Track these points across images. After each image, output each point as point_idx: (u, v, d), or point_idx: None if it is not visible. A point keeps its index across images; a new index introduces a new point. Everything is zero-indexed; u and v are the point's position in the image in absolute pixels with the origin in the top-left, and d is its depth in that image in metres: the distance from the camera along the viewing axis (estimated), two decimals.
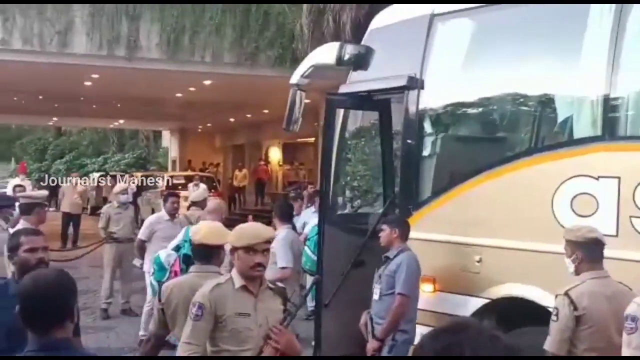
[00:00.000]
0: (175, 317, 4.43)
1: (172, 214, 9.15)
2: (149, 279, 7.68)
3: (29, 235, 4.19)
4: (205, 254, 4.53)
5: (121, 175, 23.95)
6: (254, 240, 3.93)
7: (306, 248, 8.02)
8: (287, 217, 7.90)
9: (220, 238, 4.46)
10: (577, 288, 4.35)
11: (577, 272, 4.47)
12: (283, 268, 7.13)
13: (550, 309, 5.06)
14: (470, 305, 5.64)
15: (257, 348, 3.86)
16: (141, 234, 9.09)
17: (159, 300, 4.54)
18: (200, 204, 9.34)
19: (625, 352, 4.00)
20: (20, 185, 11.80)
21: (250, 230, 4.10)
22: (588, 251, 4.42)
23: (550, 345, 4.39)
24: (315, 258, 7.14)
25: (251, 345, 3.87)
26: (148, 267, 8.58)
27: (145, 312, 8.67)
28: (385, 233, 5.92)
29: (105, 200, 17.38)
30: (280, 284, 4.53)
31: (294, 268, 7.40)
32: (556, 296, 4.40)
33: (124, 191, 11.37)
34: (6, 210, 8.16)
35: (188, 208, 9.82)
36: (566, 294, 4.34)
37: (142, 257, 9.03)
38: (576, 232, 4.50)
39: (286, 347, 3.88)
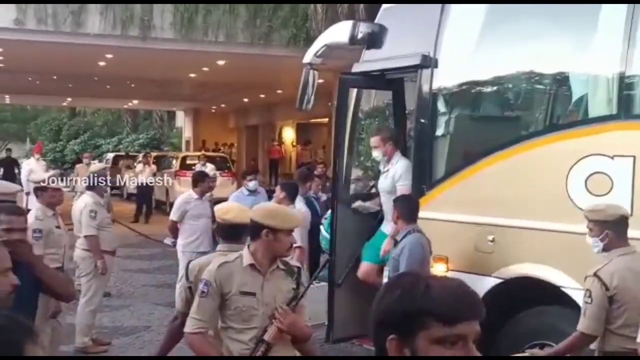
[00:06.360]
0: None
1: (205, 192, 9.20)
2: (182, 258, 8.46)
3: (10, 215, 4.15)
4: (236, 233, 4.52)
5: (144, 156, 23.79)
6: (296, 223, 4.05)
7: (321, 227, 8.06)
8: (293, 197, 8.06)
9: (248, 217, 4.48)
10: (605, 268, 4.31)
11: (606, 249, 4.41)
12: (298, 247, 7.16)
13: (564, 289, 5.07)
14: (483, 285, 5.62)
15: (262, 327, 3.87)
16: (173, 215, 9.08)
17: (187, 278, 4.55)
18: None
19: None
20: None
21: (290, 213, 4.20)
22: (617, 228, 4.40)
23: (586, 327, 4.33)
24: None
25: (256, 324, 3.88)
26: (183, 246, 8.82)
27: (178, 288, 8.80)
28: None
29: None
30: (296, 263, 4.53)
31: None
32: (585, 278, 4.36)
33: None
34: (101, 187, 8.54)
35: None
36: (595, 275, 4.30)
37: (176, 237, 9.11)
38: (604, 212, 4.44)
39: (290, 327, 3.88)
